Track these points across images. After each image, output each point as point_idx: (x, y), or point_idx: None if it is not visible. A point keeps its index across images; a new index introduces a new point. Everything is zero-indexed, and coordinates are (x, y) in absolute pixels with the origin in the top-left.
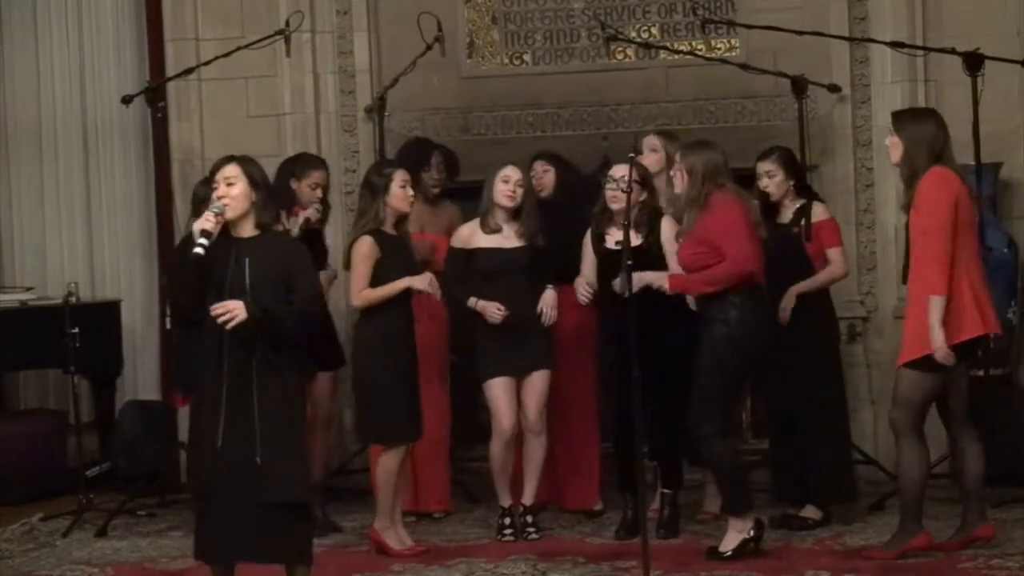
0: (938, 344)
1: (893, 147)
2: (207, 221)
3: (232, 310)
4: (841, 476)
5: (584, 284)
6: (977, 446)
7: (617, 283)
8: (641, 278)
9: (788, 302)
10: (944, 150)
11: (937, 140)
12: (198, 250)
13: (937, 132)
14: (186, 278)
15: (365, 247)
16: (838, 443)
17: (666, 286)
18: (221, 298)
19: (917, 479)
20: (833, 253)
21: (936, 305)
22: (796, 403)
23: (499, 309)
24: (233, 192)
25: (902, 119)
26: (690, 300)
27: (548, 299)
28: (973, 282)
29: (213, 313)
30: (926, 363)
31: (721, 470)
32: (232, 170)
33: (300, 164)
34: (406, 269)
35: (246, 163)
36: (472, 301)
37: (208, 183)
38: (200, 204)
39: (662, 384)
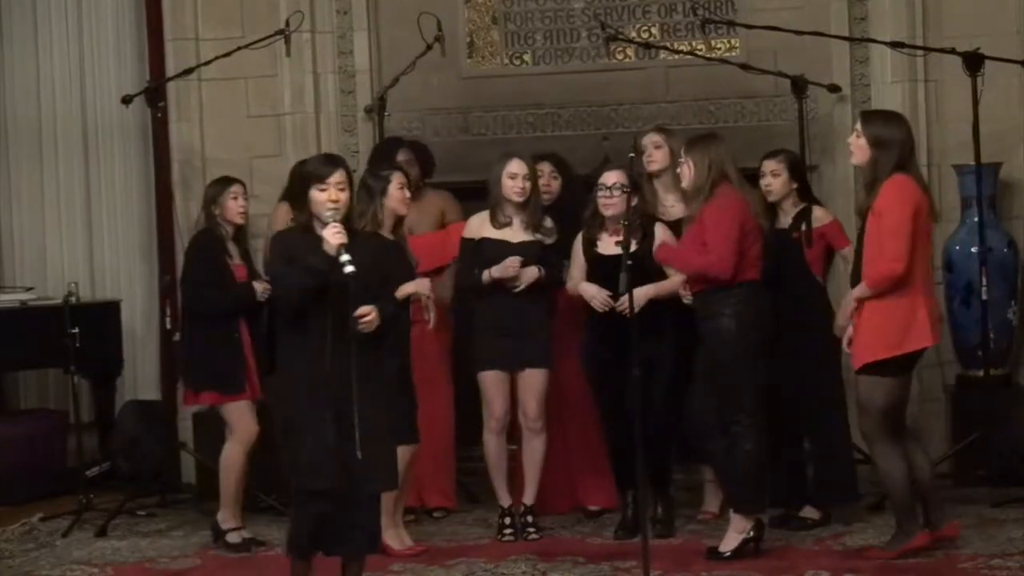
0: (844, 317)
1: (858, 149)
2: (341, 234)
3: (372, 316)
4: (839, 477)
5: (601, 292)
6: (922, 448)
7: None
8: (644, 294)
9: (849, 308)
10: (910, 157)
11: (904, 146)
12: (350, 268)
13: (905, 138)
14: (307, 286)
15: None
16: (836, 443)
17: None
18: (325, 302)
19: (900, 483)
20: (848, 252)
21: (862, 290)
22: (794, 402)
23: (514, 263)
24: (344, 197)
25: (872, 122)
26: (685, 297)
27: (525, 273)
28: (927, 294)
29: (359, 314)
30: (880, 368)
31: (742, 466)
32: (341, 176)
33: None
34: (403, 273)
35: (347, 166)
36: (486, 275)
37: (224, 183)
38: (211, 202)
39: (653, 383)
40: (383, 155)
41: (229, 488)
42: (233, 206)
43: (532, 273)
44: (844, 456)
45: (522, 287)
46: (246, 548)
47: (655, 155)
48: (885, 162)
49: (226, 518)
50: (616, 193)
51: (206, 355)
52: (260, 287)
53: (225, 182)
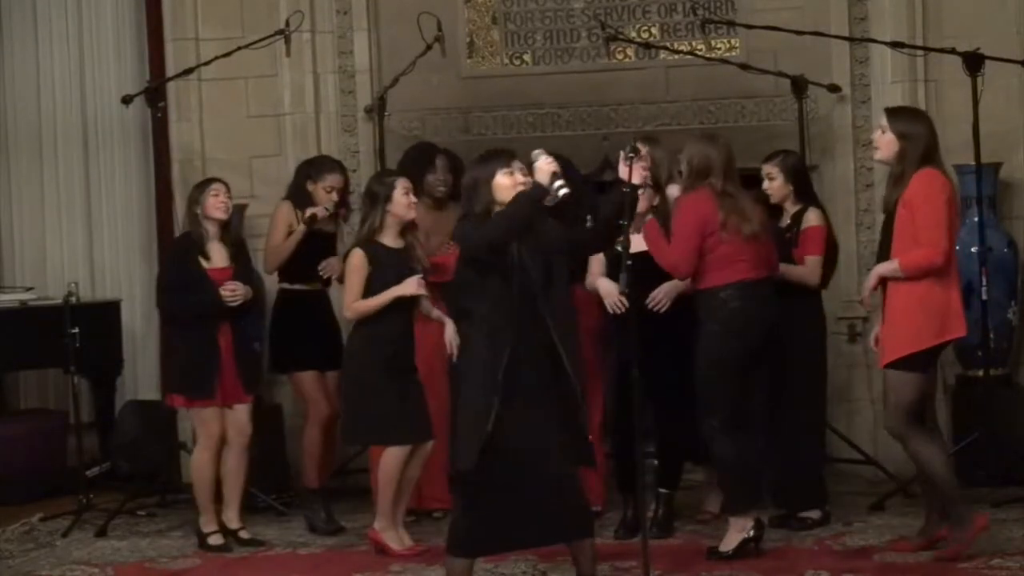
0: (865, 291)
1: (885, 144)
2: (554, 163)
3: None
4: (808, 481)
5: (617, 294)
6: (940, 448)
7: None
8: (670, 291)
9: (872, 282)
10: (934, 151)
11: (929, 141)
12: (565, 191)
13: (931, 133)
14: (524, 212)
15: (355, 260)
16: (809, 448)
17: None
18: (526, 275)
19: (943, 470)
20: (810, 260)
21: (891, 269)
22: (774, 400)
23: None
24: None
25: (898, 117)
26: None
27: None
28: (958, 283)
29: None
30: (911, 363)
31: (723, 467)
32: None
33: (316, 167)
34: (401, 279)
35: None
36: None
37: (205, 183)
38: (193, 202)
39: (664, 383)
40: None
41: (201, 494)
42: (213, 202)
43: None
44: (815, 458)
45: None
46: (227, 549)
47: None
48: (912, 155)
49: (205, 522)
50: (639, 193)
51: (179, 358)
52: (228, 292)
53: (207, 182)
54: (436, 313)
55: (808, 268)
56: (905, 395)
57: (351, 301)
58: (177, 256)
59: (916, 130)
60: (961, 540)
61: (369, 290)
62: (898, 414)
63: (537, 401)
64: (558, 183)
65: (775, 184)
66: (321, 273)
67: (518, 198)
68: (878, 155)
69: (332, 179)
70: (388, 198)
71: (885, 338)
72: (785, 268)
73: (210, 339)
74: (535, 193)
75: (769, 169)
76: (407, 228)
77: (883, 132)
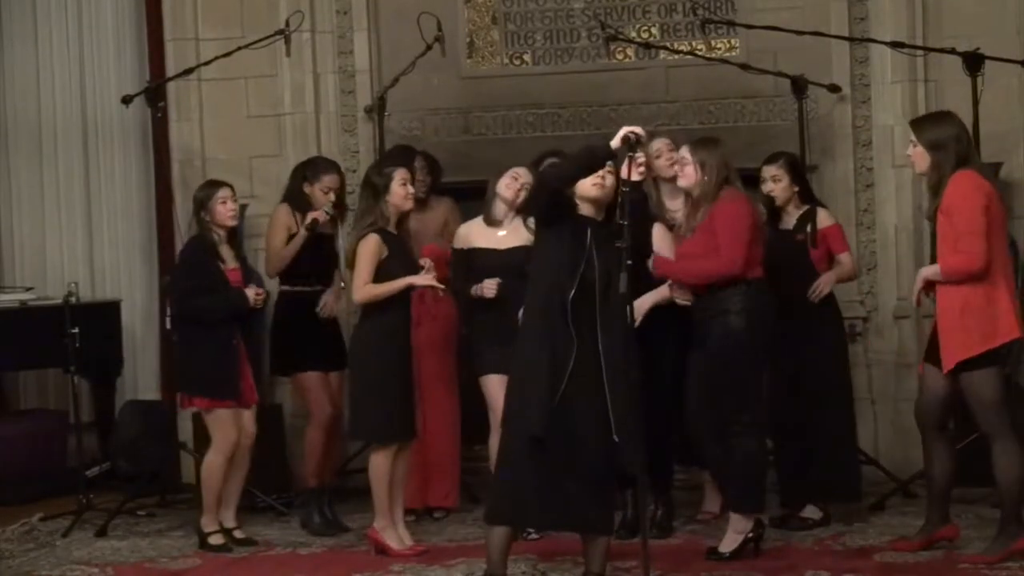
0: (913, 293)
1: (918, 157)
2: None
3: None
4: (845, 477)
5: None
6: (952, 450)
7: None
8: (641, 305)
9: (824, 285)
10: (968, 151)
11: (960, 142)
12: (629, 133)
13: (960, 134)
14: (581, 161)
15: (372, 245)
16: (843, 444)
17: (653, 270)
18: (576, 269)
19: (1017, 481)
20: (844, 257)
21: (933, 272)
22: (803, 403)
23: (494, 283)
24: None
25: (924, 127)
26: (679, 298)
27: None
28: (1007, 285)
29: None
30: (971, 363)
31: (743, 465)
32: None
33: (312, 168)
34: (409, 268)
35: None
36: (472, 289)
37: (211, 188)
38: (200, 207)
39: (653, 387)
40: (397, 162)
41: (208, 495)
42: (222, 210)
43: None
44: (848, 456)
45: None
46: (227, 549)
47: (673, 158)
48: (945, 162)
49: (207, 523)
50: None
51: (202, 361)
52: (252, 293)
53: (212, 186)
54: None
55: (847, 265)
56: (985, 394)
57: (362, 284)
58: (196, 260)
59: (944, 135)
60: (994, 552)
61: (379, 277)
62: (987, 413)
63: (585, 390)
64: (630, 134)
65: (781, 185)
66: (319, 312)
67: (584, 152)
68: (915, 170)
69: (329, 180)
70: (387, 188)
71: (941, 344)
72: (836, 272)
73: (230, 341)
74: (595, 144)
75: (775, 171)
76: (402, 219)
77: (914, 145)
